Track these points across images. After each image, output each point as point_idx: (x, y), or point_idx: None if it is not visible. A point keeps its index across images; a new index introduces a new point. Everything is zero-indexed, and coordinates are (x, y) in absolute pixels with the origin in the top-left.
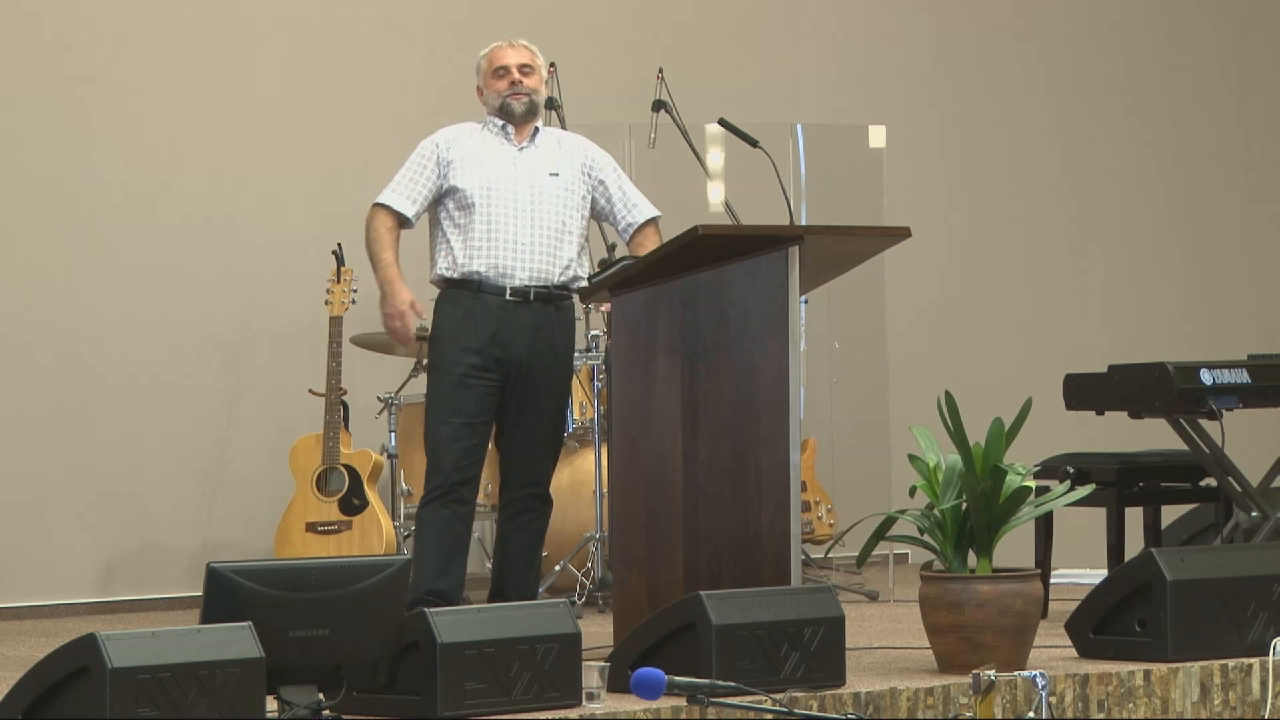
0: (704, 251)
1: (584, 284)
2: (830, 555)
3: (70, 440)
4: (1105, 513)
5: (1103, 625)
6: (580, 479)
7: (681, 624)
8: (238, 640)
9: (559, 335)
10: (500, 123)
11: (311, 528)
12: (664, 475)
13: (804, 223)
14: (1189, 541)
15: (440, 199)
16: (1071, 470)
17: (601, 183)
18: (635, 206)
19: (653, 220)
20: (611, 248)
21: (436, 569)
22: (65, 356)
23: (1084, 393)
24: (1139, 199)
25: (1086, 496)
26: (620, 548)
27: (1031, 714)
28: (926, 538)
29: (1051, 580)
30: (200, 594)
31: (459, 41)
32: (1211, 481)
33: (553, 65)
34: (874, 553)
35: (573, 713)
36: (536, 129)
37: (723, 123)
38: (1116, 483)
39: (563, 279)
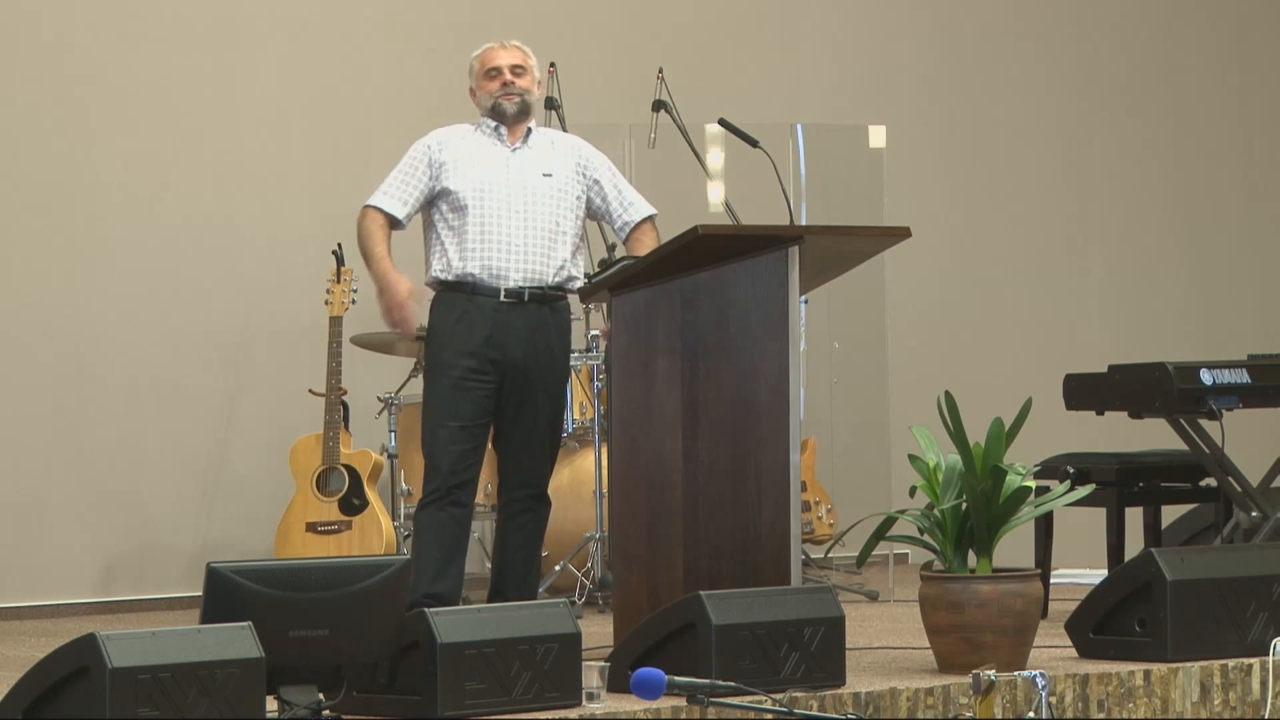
0: (704, 251)
1: (579, 284)
2: (830, 555)
3: (70, 440)
4: (1105, 513)
5: (1103, 625)
6: (580, 479)
7: (681, 624)
8: (238, 640)
9: (554, 336)
10: (493, 124)
11: (311, 528)
12: (664, 475)
13: (804, 223)
14: (1189, 541)
15: (433, 201)
16: (1071, 470)
17: (596, 182)
18: (631, 205)
19: (649, 218)
20: (611, 248)
21: (434, 572)
22: (65, 356)
23: (1084, 393)
24: (1139, 199)
25: (1086, 496)
26: (620, 548)
27: (1031, 714)
28: (926, 538)
29: (1051, 580)
30: (200, 594)
31: (459, 41)
32: (1211, 481)
33: (552, 65)
34: (874, 553)
35: (573, 713)
36: (530, 129)
37: (723, 123)
38: (1116, 483)
39: (557, 279)
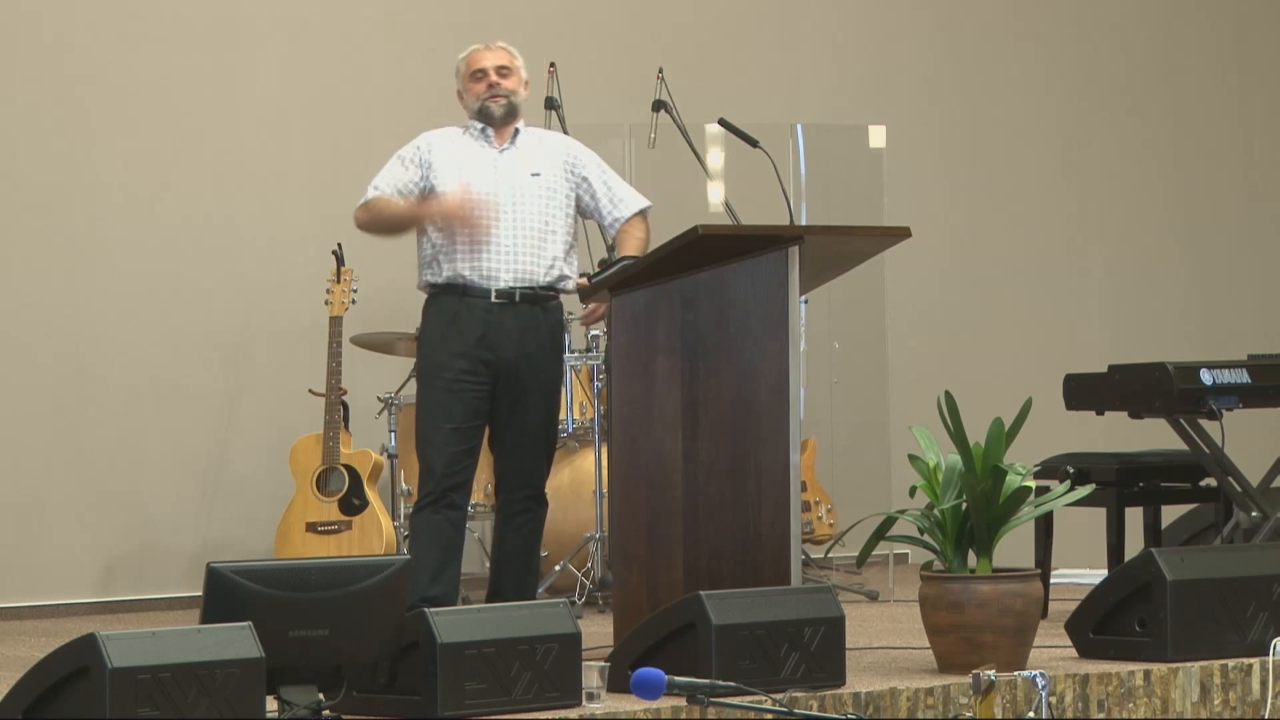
0: (704, 251)
1: (572, 283)
2: (830, 555)
3: (70, 440)
4: (1105, 513)
5: (1103, 625)
6: (580, 479)
7: (681, 624)
8: (238, 640)
9: (547, 336)
10: (480, 126)
11: (311, 528)
12: (664, 475)
13: (804, 223)
14: (1189, 541)
15: None
16: (1071, 470)
17: (585, 179)
18: (621, 201)
19: (641, 212)
20: (612, 248)
21: (430, 575)
22: (65, 356)
23: (1084, 393)
24: (1139, 199)
25: (1086, 496)
26: (620, 548)
27: (1031, 714)
28: (926, 538)
29: (1051, 580)
30: (200, 594)
31: (459, 41)
32: (1211, 481)
33: (552, 65)
34: (874, 553)
35: (573, 713)
36: (517, 130)
37: (723, 123)
38: (1116, 483)
39: (548, 279)
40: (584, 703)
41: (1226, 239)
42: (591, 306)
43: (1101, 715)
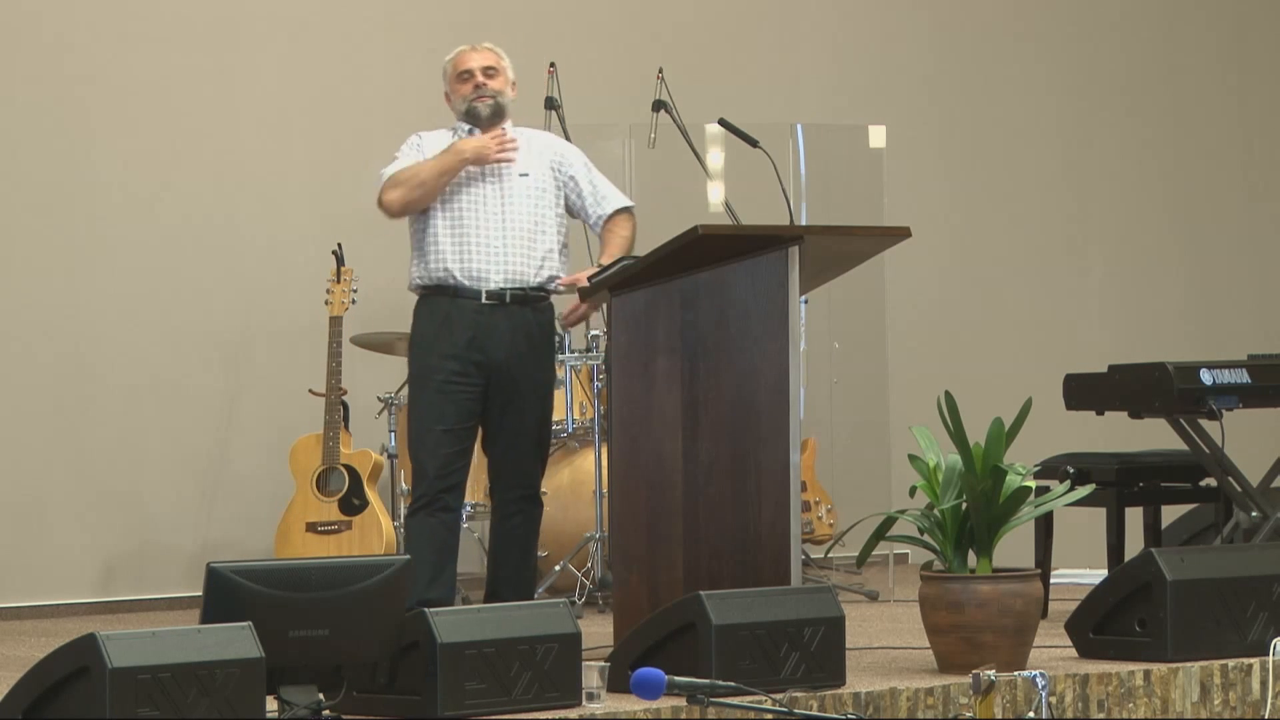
0: (704, 251)
1: (559, 284)
2: (830, 555)
3: (70, 440)
4: (1105, 513)
5: (1103, 625)
6: (580, 479)
7: (681, 624)
8: (238, 640)
9: (538, 336)
10: (468, 127)
11: (311, 528)
12: (664, 475)
13: (804, 223)
14: (1189, 541)
15: None
16: (1071, 470)
17: (572, 179)
18: (605, 199)
19: (624, 210)
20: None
21: (428, 578)
22: (65, 356)
23: (1084, 393)
24: (1139, 199)
25: (1086, 496)
26: (620, 548)
27: (1031, 714)
28: (926, 538)
29: (1051, 580)
30: (200, 594)
31: (459, 41)
32: (1211, 481)
33: (552, 65)
34: (874, 553)
35: (573, 713)
36: (504, 130)
37: (723, 123)
38: (1116, 483)
39: (539, 280)
40: (584, 703)
41: (1226, 239)
42: (573, 304)
43: (1101, 715)
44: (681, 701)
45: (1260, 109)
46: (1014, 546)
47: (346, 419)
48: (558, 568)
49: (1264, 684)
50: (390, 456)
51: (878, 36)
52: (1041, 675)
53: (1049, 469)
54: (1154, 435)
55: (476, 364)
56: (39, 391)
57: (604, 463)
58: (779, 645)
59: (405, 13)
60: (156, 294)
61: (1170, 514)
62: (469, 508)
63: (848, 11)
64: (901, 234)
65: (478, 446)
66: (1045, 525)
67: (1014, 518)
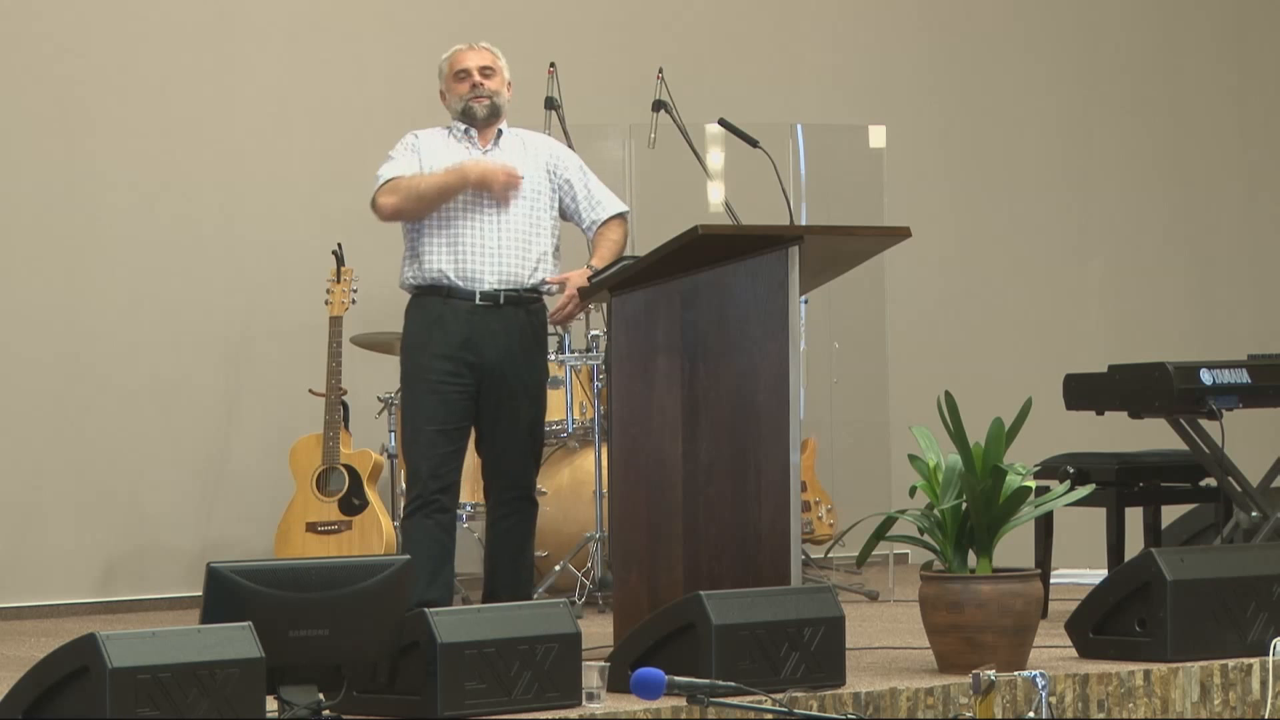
0: (704, 251)
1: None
2: (830, 555)
3: (70, 440)
4: (1105, 513)
5: (1103, 625)
6: (580, 479)
7: (681, 624)
8: (238, 640)
9: (531, 338)
10: (464, 127)
11: (311, 528)
12: (664, 475)
13: (804, 223)
14: (1189, 541)
15: None
16: (1071, 470)
17: (567, 182)
18: (599, 204)
19: (619, 215)
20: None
21: (426, 579)
22: (65, 356)
23: (1084, 393)
24: (1139, 199)
25: (1086, 496)
26: (620, 548)
27: (1031, 714)
28: (926, 538)
29: (1051, 580)
30: (200, 594)
31: (459, 41)
32: (1211, 481)
33: (552, 65)
34: (874, 553)
35: (573, 713)
36: (500, 131)
37: (723, 123)
38: (1116, 483)
39: (532, 281)
40: (584, 703)
41: (1226, 239)
42: (561, 302)
43: (1101, 715)
44: (681, 701)
45: (1260, 109)
46: (1014, 546)
47: (346, 419)
48: (558, 568)
49: (1264, 684)
50: (390, 456)
51: (878, 36)
52: (1041, 675)
53: (1049, 469)
54: (1154, 435)
55: (469, 365)
56: (39, 391)
57: (604, 463)
58: (779, 645)
59: (405, 13)
60: (156, 294)
61: (1170, 514)
62: (468, 508)
63: (847, 12)
64: (901, 234)
65: (471, 448)
66: (1045, 525)
67: (1014, 518)
